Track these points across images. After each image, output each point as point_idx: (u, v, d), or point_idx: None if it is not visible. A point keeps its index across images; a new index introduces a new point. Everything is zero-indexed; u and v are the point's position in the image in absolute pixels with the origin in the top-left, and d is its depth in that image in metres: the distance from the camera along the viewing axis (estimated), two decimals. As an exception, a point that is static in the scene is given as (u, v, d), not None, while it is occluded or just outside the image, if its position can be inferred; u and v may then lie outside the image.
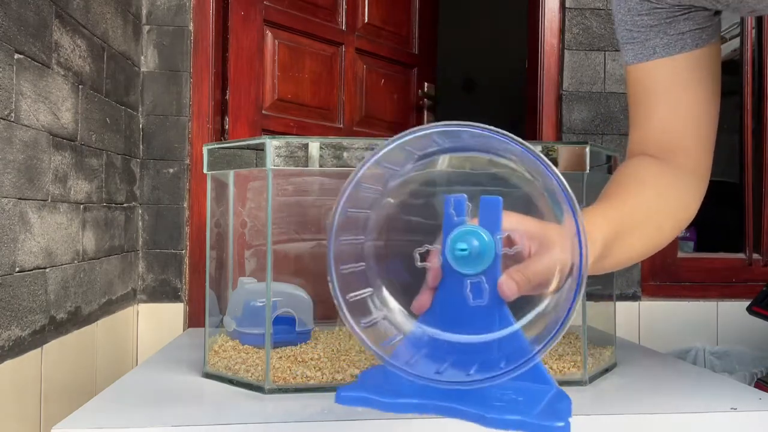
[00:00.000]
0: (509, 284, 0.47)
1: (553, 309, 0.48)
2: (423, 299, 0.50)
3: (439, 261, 0.48)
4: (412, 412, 0.48)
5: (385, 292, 0.51)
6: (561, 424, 0.44)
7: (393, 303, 0.51)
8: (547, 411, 0.46)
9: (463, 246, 0.45)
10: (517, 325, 0.48)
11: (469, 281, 0.47)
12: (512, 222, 0.50)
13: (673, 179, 0.75)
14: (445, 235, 0.47)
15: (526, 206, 0.52)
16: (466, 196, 0.48)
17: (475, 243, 0.46)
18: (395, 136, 0.49)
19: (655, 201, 0.73)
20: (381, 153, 0.50)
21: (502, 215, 0.48)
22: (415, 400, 0.48)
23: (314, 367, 0.89)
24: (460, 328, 0.48)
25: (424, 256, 0.49)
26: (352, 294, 0.50)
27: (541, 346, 0.44)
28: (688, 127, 0.76)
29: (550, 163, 0.45)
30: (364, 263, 0.52)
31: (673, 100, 0.76)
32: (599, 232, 0.61)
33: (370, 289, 0.51)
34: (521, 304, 0.49)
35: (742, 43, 1.87)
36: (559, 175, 0.45)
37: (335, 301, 0.50)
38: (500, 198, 0.48)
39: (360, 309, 0.49)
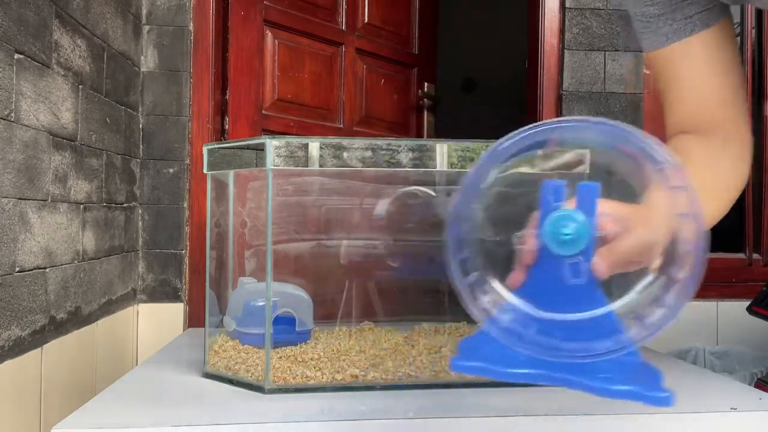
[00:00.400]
0: (600, 264, 0.50)
1: (645, 295, 0.51)
2: (517, 276, 0.53)
3: (535, 242, 0.51)
4: (528, 381, 0.51)
5: (489, 276, 0.54)
6: (666, 394, 0.49)
7: (498, 286, 0.54)
8: (646, 381, 0.50)
9: (568, 231, 0.49)
10: (618, 304, 0.51)
11: (568, 261, 0.50)
12: (602, 206, 0.52)
13: (716, 150, 0.77)
14: (542, 218, 0.50)
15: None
16: (565, 181, 0.51)
17: (572, 226, 0.49)
18: (514, 133, 0.52)
19: (709, 173, 0.75)
20: (500, 148, 0.52)
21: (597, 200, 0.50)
22: (530, 371, 0.51)
23: (314, 367, 0.89)
24: (554, 307, 0.51)
25: (521, 240, 0.52)
26: (466, 280, 0.53)
27: (666, 316, 0.48)
28: (717, 103, 0.79)
29: (655, 144, 0.48)
30: (469, 252, 0.54)
31: (697, 81, 0.79)
32: None
33: (477, 273, 0.54)
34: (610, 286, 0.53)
35: (742, 42, 1.87)
36: (668, 155, 0.48)
37: (457, 287, 0.53)
38: (598, 184, 0.50)
39: (470, 295, 0.53)
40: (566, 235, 0.49)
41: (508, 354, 0.51)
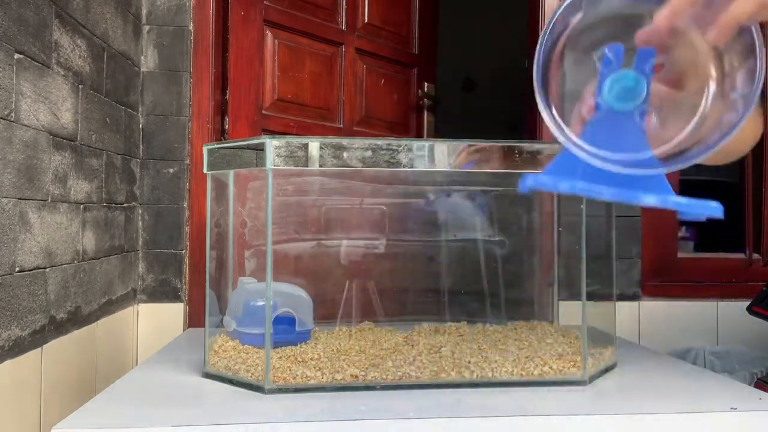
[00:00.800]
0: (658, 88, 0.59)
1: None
2: (576, 128, 0.60)
3: (594, 99, 0.58)
4: (591, 195, 0.58)
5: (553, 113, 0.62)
6: (716, 205, 0.55)
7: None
8: (695, 198, 0.57)
9: (629, 85, 0.57)
10: (656, 151, 0.59)
11: (632, 112, 0.58)
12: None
13: None
14: (602, 78, 0.58)
15: None
16: (621, 45, 0.58)
17: (632, 86, 0.58)
18: None
19: None
20: None
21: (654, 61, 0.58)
22: (592, 185, 0.57)
23: (314, 367, 0.89)
24: (607, 146, 0.59)
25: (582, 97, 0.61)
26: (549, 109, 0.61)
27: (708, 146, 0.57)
28: None
29: None
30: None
31: None
32: None
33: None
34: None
35: (742, 43, 1.87)
36: None
37: (543, 114, 0.59)
38: (654, 48, 0.58)
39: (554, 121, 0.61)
40: (627, 89, 0.57)
41: (573, 172, 0.58)
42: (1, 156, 0.92)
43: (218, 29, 1.60)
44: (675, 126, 0.61)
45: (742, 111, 0.55)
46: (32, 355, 1.00)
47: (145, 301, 1.52)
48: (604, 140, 0.58)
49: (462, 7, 4.33)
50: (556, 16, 0.59)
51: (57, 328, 1.09)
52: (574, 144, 0.59)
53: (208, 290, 1.02)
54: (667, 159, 0.59)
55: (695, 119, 0.60)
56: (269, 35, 1.73)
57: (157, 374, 0.98)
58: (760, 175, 1.82)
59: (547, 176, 0.58)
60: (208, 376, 0.95)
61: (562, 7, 0.59)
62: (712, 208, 0.55)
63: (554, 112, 0.61)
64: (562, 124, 0.61)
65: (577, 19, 0.60)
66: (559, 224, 1.26)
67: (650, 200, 0.56)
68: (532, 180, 0.58)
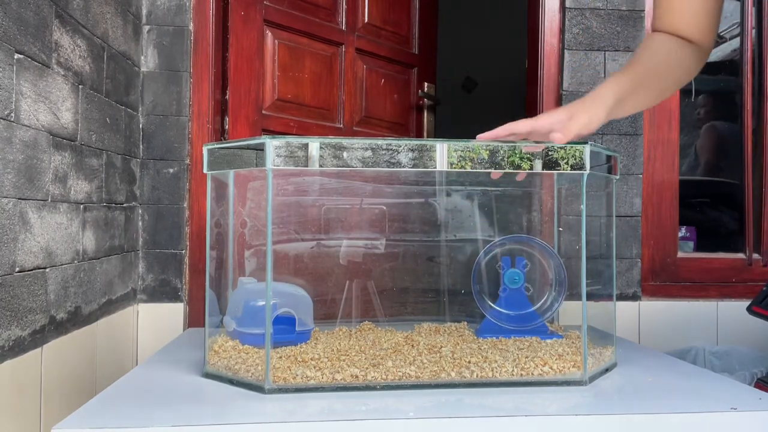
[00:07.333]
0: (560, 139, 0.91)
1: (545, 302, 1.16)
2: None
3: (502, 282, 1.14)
4: (503, 336, 1.10)
5: (486, 295, 1.17)
6: (558, 336, 1.10)
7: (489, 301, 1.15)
8: (549, 335, 1.11)
9: (515, 278, 1.12)
10: (533, 308, 1.14)
11: (513, 289, 1.13)
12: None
13: (680, 50, 1.06)
14: (503, 273, 1.12)
15: None
16: (520, 271, 1.12)
17: (516, 277, 1.12)
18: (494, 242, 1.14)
19: (663, 67, 1.05)
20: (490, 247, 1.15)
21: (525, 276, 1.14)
22: (509, 327, 1.12)
23: (314, 367, 0.89)
24: (510, 308, 1.13)
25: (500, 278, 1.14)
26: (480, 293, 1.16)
27: (550, 312, 1.13)
28: (698, 17, 1.06)
29: None
30: (480, 283, 1.16)
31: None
32: (612, 92, 0.97)
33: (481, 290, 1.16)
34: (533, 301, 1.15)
35: (742, 43, 1.87)
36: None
37: (476, 297, 1.16)
38: (524, 259, 1.13)
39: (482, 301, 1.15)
40: (514, 280, 1.12)
41: (495, 327, 1.12)
42: (1, 156, 0.92)
43: (218, 29, 1.60)
44: (541, 295, 1.14)
45: (561, 294, 1.11)
46: (32, 355, 1.00)
47: (145, 301, 1.52)
48: (506, 305, 1.12)
49: (462, 8, 4.33)
50: (484, 260, 1.14)
51: (57, 328, 1.09)
52: (493, 308, 1.13)
53: (208, 290, 1.02)
54: (539, 310, 1.13)
55: (544, 297, 1.14)
56: (269, 35, 1.73)
57: (157, 374, 0.98)
58: (760, 175, 1.82)
59: (480, 330, 1.11)
60: (208, 376, 0.95)
61: (486, 257, 1.14)
62: (557, 336, 1.10)
63: (484, 297, 1.13)
64: (489, 303, 1.13)
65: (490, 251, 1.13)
66: (560, 224, 1.26)
67: (531, 334, 1.10)
68: (482, 335, 1.10)
